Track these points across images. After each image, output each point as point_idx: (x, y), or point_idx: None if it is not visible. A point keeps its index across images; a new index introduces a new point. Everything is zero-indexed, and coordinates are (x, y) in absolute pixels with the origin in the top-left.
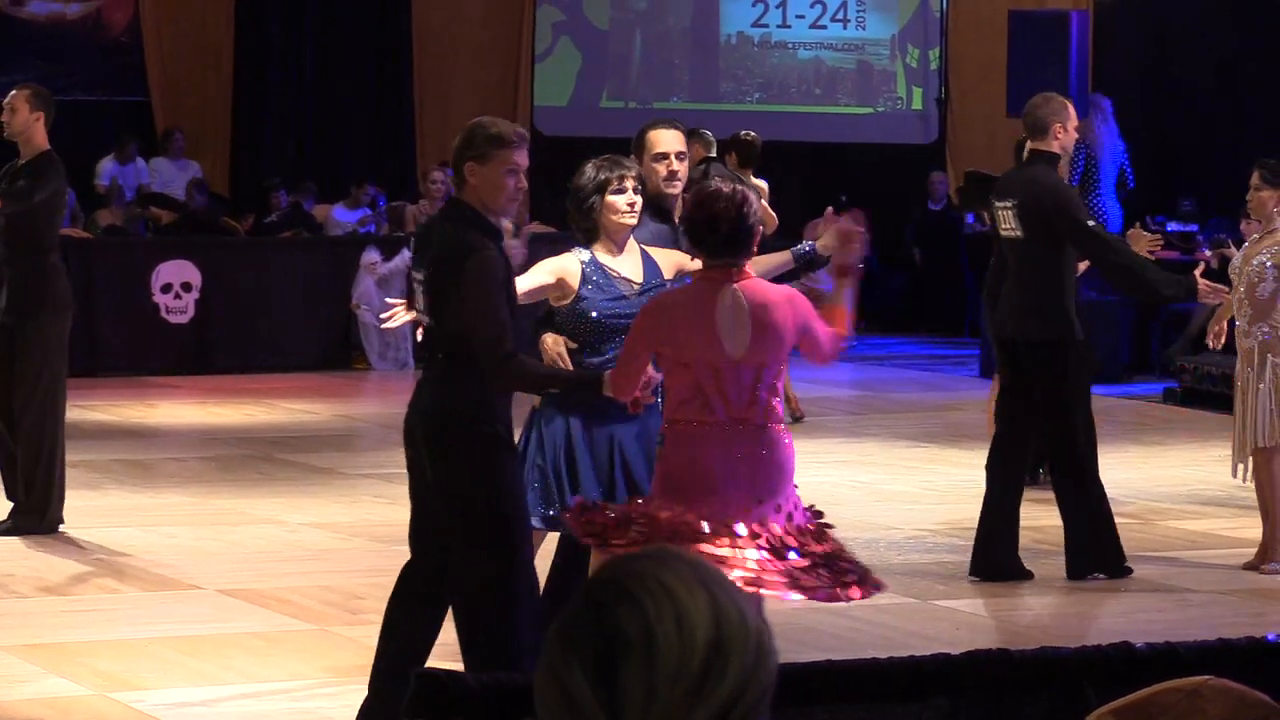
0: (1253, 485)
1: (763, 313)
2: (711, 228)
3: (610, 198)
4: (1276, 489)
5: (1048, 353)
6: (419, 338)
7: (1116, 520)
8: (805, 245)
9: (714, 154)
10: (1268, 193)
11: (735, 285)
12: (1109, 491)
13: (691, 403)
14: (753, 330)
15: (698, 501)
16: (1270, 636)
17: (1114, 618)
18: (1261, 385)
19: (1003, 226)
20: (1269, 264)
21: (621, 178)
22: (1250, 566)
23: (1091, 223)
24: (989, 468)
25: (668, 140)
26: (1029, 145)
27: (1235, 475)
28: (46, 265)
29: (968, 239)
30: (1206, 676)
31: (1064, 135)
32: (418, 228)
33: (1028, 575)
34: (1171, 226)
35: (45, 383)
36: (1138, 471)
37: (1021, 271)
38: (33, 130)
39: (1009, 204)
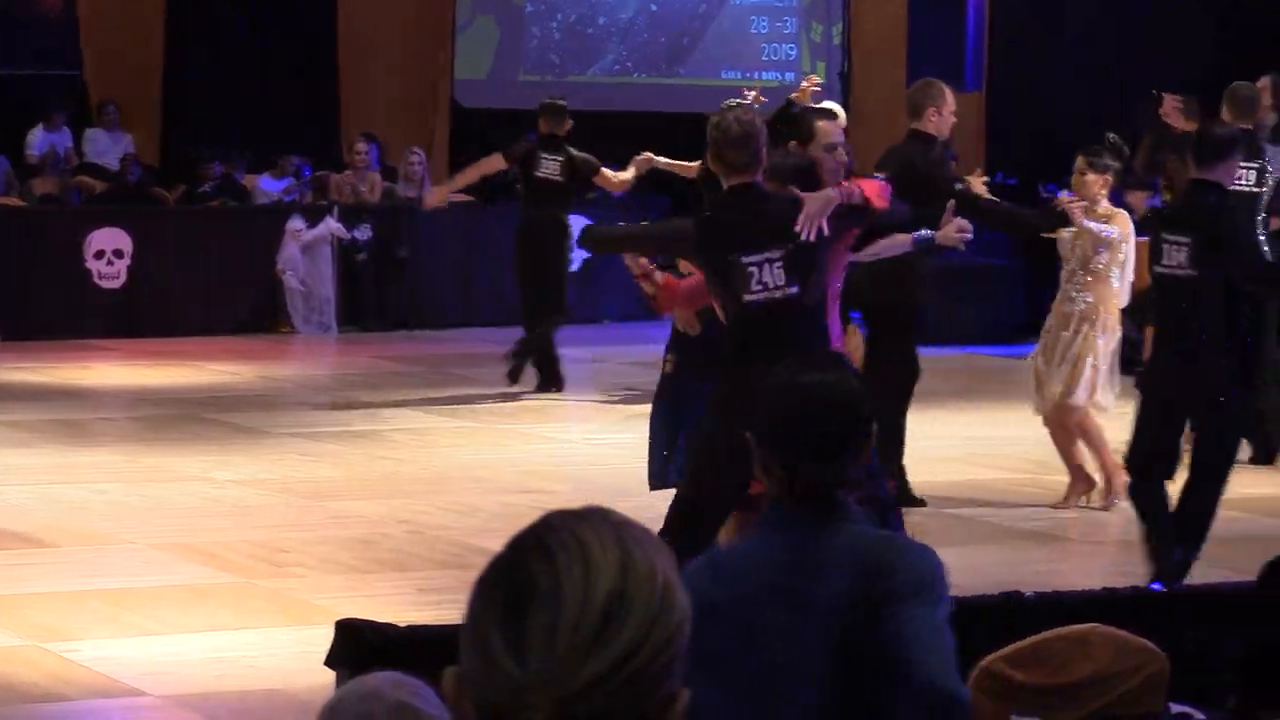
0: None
1: None
2: None
3: None
4: (1090, 437)
5: (892, 314)
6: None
7: (1002, 475)
8: (925, 233)
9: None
10: (1093, 177)
11: None
12: (996, 447)
13: None
14: None
15: None
16: (1154, 585)
17: (1003, 568)
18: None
19: None
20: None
21: None
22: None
23: (959, 185)
24: None
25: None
26: (909, 125)
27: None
28: None
29: None
30: (1093, 624)
31: (938, 118)
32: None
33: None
34: (1061, 194)
35: None
36: (1026, 429)
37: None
38: None
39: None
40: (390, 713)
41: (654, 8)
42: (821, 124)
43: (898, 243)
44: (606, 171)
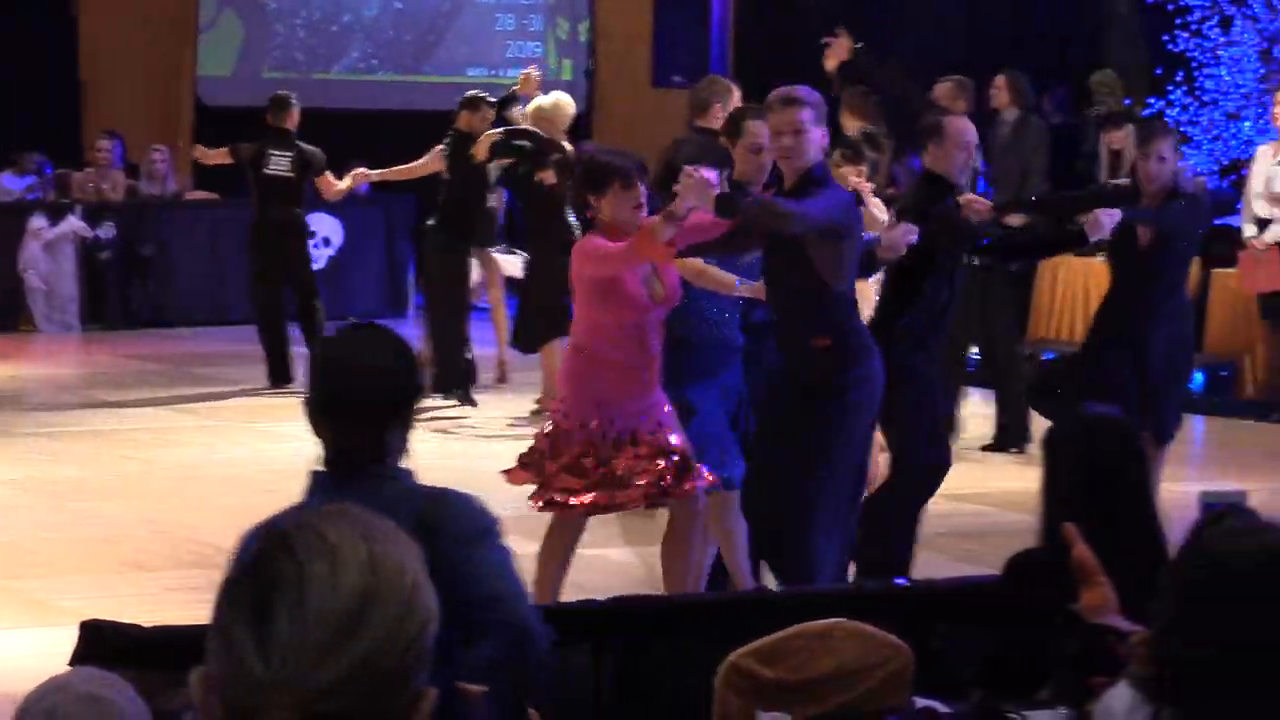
0: None
1: None
2: None
3: None
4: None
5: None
6: None
7: None
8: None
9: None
10: (848, 168)
11: None
12: None
13: None
14: None
15: None
16: (899, 580)
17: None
18: None
19: None
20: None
21: None
22: None
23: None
24: None
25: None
26: (693, 121)
27: None
28: None
29: None
30: (837, 619)
31: (724, 114)
32: None
33: None
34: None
35: None
36: None
37: None
38: None
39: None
40: (76, 703)
41: (398, 5)
42: (750, 123)
43: None
44: (330, 176)
